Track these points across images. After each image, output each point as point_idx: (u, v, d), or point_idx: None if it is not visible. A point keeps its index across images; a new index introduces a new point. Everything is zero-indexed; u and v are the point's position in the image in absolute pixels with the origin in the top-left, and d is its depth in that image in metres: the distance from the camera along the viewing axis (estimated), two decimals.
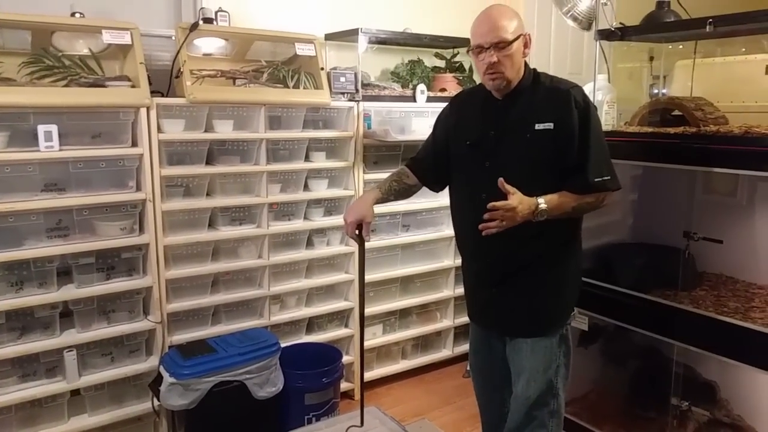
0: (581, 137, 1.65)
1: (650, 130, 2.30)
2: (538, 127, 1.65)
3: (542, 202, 1.60)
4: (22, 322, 2.20)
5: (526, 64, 1.74)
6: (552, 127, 1.65)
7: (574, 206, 1.67)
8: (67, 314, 2.29)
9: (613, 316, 2.37)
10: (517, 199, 1.57)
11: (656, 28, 2.43)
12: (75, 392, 2.30)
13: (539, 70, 1.78)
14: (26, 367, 2.22)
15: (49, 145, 2.11)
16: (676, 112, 2.33)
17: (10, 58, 2.22)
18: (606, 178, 1.67)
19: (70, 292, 2.24)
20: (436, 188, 1.99)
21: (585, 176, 1.65)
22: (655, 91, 2.84)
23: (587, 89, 2.45)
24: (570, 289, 1.83)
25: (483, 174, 1.72)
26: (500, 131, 1.72)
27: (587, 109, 1.66)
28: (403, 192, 1.97)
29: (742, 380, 2.12)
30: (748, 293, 2.15)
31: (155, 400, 2.34)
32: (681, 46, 2.68)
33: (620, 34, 2.36)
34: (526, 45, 1.70)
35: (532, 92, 1.71)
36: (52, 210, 2.18)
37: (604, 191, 1.69)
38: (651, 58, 2.84)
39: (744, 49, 2.47)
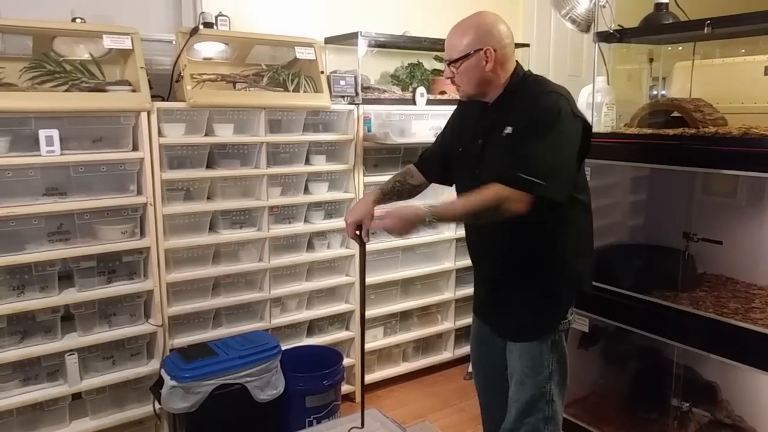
0: (525, 132, 1.57)
1: (649, 131, 2.31)
2: (505, 132, 1.63)
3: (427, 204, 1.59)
4: (24, 326, 2.21)
5: (515, 72, 1.70)
6: (511, 132, 1.62)
7: (466, 207, 1.59)
8: (68, 318, 2.29)
9: (613, 318, 2.37)
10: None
11: (654, 30, 2.44)
12: (76, 396, 2.30)
13: (539, 73, 1.76)
14: (28, 371, 2.22)
15: (50, 149, 2.12)
16: (676, 114, 2.33)
17: (11, 63, 2.23)
18: (536, 180, 1.52)
19: (71, 295, 2.25)
20: (448, 183, 1.95)
21: (510, 166, 1.54)
22: (655, 92, 2.85)
23: (586, 91, 2.47)
24: (560, 296, 1.79)
25: (473, 182, 1.71)
26: (485, 139, 1.71)
27: (548, 111, 1.57)
28: (407, 192, 1.96)
29: (743, 381, 2.12)
30: (748, 294, 2.15)
31: (156, 403, 2.34)
32: (680, 48, 2.68)
33: (619, 36, 2.37)
34: (487, 60, 1.62)
35: (514, 99, 1.68)
36: (53, 214, 2.19)
37: (524, 190, 1.52)
38: (650, 60, 2.85)
39: (743, 51, 2.48)
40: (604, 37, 2.39)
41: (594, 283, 2.35)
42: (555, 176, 1.56)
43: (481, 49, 1.62)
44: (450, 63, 1.67)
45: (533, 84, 1.70)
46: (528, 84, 1.70)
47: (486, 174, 1.67)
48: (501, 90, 1.69)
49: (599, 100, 2.45)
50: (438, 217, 1.59)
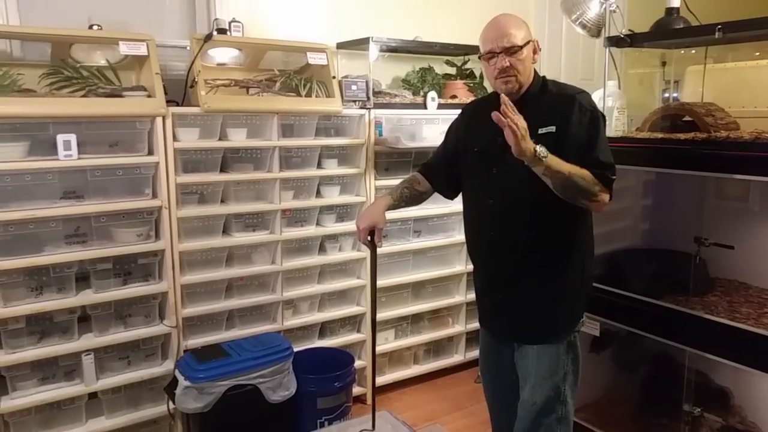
0: (591, 138, 1.64)
1: (661, 135, 2.30)
2: (541, 131, 1.65)
3: (541, 147, 1.56)
4: (42, 326, 2.25)
5: (535, 72, 1.76)
6: (554, 131, 1.65)
7: (572, 171, 1.58)
8: (85, 319, 2.33)
9: (624, 322, 2.36)
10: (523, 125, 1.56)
11: (665, 35, 2.43)
12: (93, 395, 2.34)
13: (551, 77, 1.80)
14: (45, 370, 2.27)
15: (67, 153, 2.17)
16: (687, 118, 2.33)
17: (30, 69, 2.28)
18: (614, 177, 1.67)
19: (88, 297, 2.29)
20: (450, 195, 2.00)
21: (592, 165, 1.62)
22: (667, 96, 2.84)
23: (597, 95, 2.47)
24: (577, 297, 1.82)
25: (490, 181, 1.73)
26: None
27: (594, 113, 1.68)
28: (415, 198, 1.99)
29: (757, 386, 2.10)
30: (760, 299, 2.14)
31: (170, 403, 2.38)
32: (693, 51, 2.67)
33: (629, 41, 2.37)
34: (535, 51, 1.72)
35: (539, 99, 1.73)
36: (70, 217, 2.23)
37: (607, 184, 1.64)
38: (663, 64, 2.84)
39: (758, 54, 2.46)
40: (614, 41, 2.39)
41: (605, 287, 2.36)
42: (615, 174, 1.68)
43: (532, 41, 1.72)
44: (508, 52, 1.67)
45: (558, 85, 1.76)
46: (550, 87, 1.75)
47: (507, 170, 1.70)
48: (525, 88, 1.73)
49: (610, 104, 2.45)
50: (548, 162, 1.55)
